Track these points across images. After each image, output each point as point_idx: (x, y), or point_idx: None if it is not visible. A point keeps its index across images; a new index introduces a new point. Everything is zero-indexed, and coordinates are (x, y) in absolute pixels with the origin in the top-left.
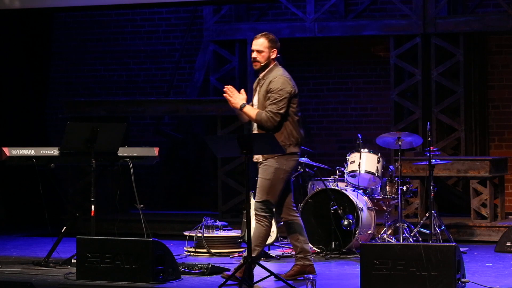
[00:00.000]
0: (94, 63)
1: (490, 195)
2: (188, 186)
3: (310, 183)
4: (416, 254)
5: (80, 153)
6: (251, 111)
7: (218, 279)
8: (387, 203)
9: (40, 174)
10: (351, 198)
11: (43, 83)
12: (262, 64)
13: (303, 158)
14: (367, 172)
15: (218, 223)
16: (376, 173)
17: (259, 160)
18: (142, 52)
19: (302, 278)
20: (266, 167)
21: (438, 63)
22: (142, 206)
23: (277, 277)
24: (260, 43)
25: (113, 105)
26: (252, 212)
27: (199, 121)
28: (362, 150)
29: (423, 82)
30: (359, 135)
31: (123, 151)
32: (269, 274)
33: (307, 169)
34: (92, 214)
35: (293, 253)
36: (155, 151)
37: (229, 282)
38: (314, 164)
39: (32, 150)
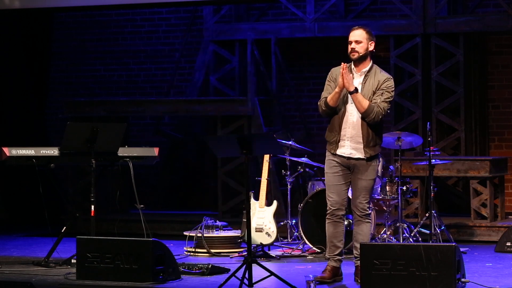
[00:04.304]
0: (94, 63)
1: (490, 195)
2: (188, 186)
3: (310, 183)
4: (416, 254)
5: (80, 153)
6: (363, 100)
7: (218, 279)
8: (387, 203)
9: (40, 174)
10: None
11: (43, 83)
12: (361, 55)
13: (303, 158)
14: None
15: (218, 223)
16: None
17: (363, 156)
18: (142, 52)
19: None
20: (373, 166)
21: (438, 63)
22: (142, 206)
23: (277, 277)
24: (358, 34)
25: (113, 105)
26: (253, 212)
27: (199, 121)
28: None
29: (423, 82)
30: None
31: (123, 151)
32: (269, 274)
33: (307, 169)
34: (92, 214)
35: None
36: (155, 151)
37: (229, 282)
38: (314, 164)
39: (32, 150)
